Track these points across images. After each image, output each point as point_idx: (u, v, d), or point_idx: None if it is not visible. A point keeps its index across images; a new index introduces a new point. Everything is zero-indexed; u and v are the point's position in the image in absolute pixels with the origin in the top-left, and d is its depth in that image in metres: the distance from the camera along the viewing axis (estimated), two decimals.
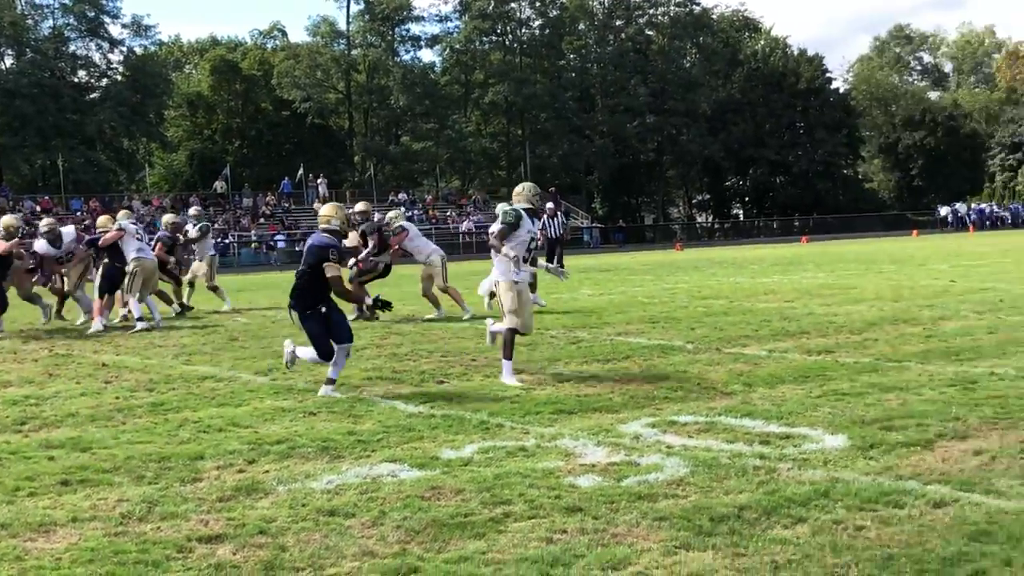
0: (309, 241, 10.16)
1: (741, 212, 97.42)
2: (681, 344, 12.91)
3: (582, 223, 72.54)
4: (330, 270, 9.72)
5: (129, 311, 17.97)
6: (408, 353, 12.97)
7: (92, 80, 78.64)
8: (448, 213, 72.56)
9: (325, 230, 10.07)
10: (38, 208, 61.04)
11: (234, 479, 6.90)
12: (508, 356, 10.55)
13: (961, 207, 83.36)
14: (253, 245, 61.10)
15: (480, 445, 7.66)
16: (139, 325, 17.00)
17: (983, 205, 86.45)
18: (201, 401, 9.94)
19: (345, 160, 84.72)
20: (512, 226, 10.61)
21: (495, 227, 11.12)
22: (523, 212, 10.78)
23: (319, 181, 71.32)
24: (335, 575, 5.04)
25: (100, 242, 18.23)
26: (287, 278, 18.77)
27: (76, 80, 76.86)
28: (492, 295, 15.98)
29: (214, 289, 21.64)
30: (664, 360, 11.64)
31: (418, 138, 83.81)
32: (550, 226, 32.71)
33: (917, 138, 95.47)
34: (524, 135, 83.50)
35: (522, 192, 10.97)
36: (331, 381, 9.99)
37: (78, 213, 59.40)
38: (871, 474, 6.51)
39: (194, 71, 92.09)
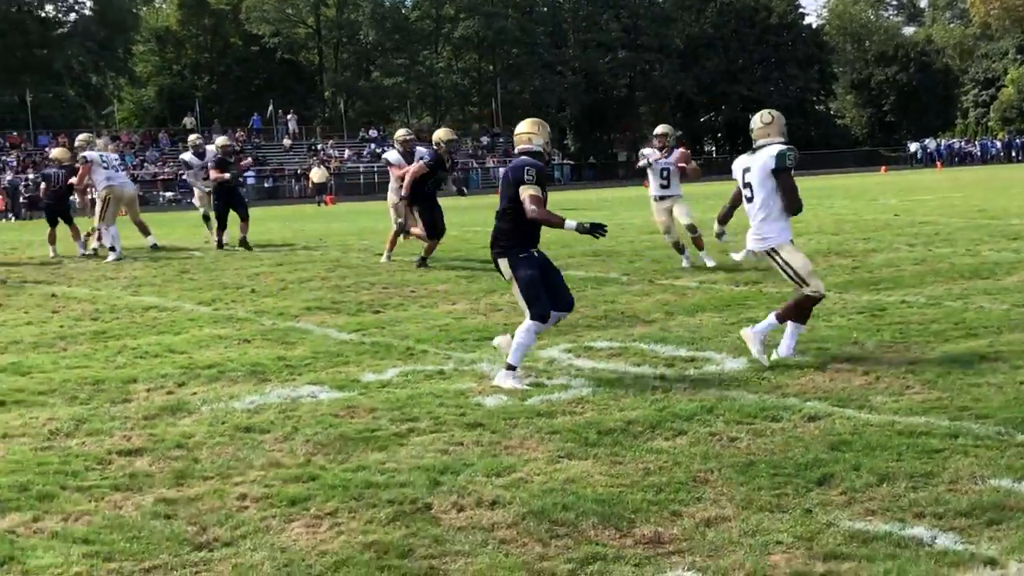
0: (504, 171, 8.21)
1: (714, 149, 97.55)
2: (616, 276, 13.31)
3: (554, 159, 72.76)
4: (526, 190, 7.59)
5: (99, 242, 18.40)
6: (350, 285, 13.34)
7: (59, 15, 77.92)
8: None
9: (524, 152, 7.96)
10: (7, 144, 60.94)
11: (162, 400, 7.28)
12: (803, 320, 8.17)
13: (931, 143, 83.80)
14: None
15: (402, 369, 8.05)
16: (111, 256, 17.46)
17: (953, 140, 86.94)
18: (142, 329, 10.29)
19: (315, 96, 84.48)
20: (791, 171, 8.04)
21: (757, 173, 8.07)
22: None
23: (289, 117, 71.32)
24: (241, 482, 5.43)
25: (75, 183, 18.54)
26: (255, 214, 19.05)
27: (43, 15, 76.13)
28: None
29: (207, 219, 21.70)
30: (596, 291, 12.03)
31: (388, 74, 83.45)
32: None
33: (890, 74, 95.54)
34: (495, 71, 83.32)
35: (775, 122, 8.20)
36: (511, 367, 7.55)
37: (46, 149, 59.20)
38: (759, 392, 6.93)
39: (163, 5, 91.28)
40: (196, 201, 22.03)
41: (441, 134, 15.68)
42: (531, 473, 5.43)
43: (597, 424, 6.27)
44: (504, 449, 5.89)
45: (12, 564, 4.41)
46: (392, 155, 16.58)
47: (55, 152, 21.11)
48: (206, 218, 21.33)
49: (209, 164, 19.61)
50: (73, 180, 18.84)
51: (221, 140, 20.97)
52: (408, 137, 16.81)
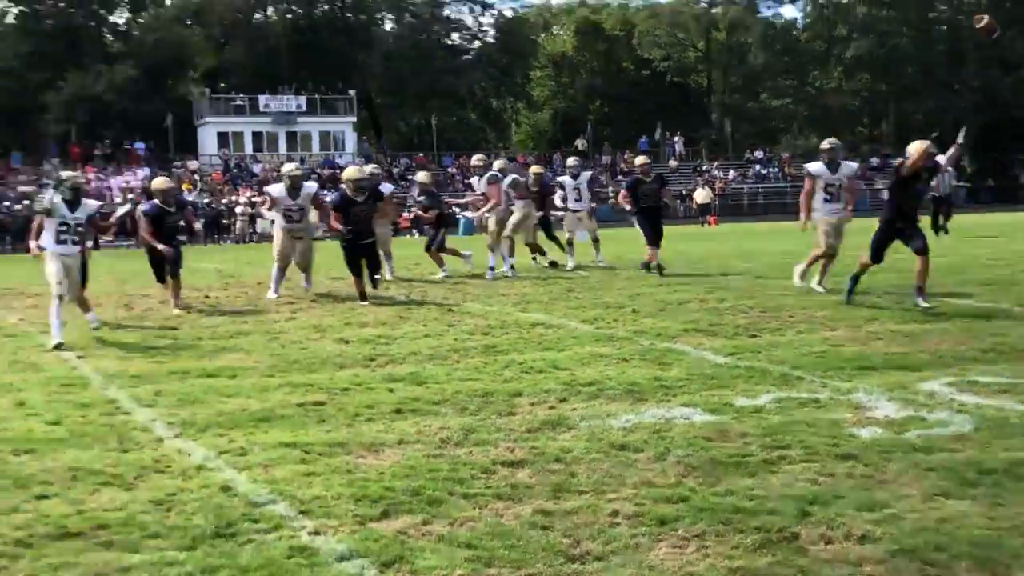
0: None
1: None
2: (1008, 307, 12.67)
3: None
4: None
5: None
6: (728, 307, 13.40)
7: (464, 43, 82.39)
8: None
9: None
10: (412, 164, 65.03)
11: (544, 414, 7.64)
12: None
13: None
14: (610, 202, 62.49)
15: (775, 395, 8.06)
16: (489, 274, 18.30)
17: None
18: (528, 345, 10.80)
19: (702, 118, 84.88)
20: None
21: None
22: None
23: (676, 139, 72.02)
24: (615, 499, 5.65)
25: (491, 205, 19.06)
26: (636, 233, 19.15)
27: (450, 43, 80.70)
28: None
29: (570, 244, 21.12)
30: (985, 323, 11.49)
31: (777, 95, 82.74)
32: (941, 182, 29.01)
33: None
34: (888, 91, 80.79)
35: None
36: None
37: (449, 169, 63.01)
38: None
39: (560, 32, 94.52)
40: (564, 223, 21.22)
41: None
42: (904, 510, 5.34)
43: (978, 463, 6.07)
44: (877, 483, 5.82)
45: (402, 563, 4.79)
46: (816, 167, 15.01)
47: (420, 176, 21.73)
48: (570, 243, 20.83)
49: (624, 185, 19.55)
50: (476, 200, 19.62)
51: (640, 160, 20.19)
52: (832, 146, 14.99)
